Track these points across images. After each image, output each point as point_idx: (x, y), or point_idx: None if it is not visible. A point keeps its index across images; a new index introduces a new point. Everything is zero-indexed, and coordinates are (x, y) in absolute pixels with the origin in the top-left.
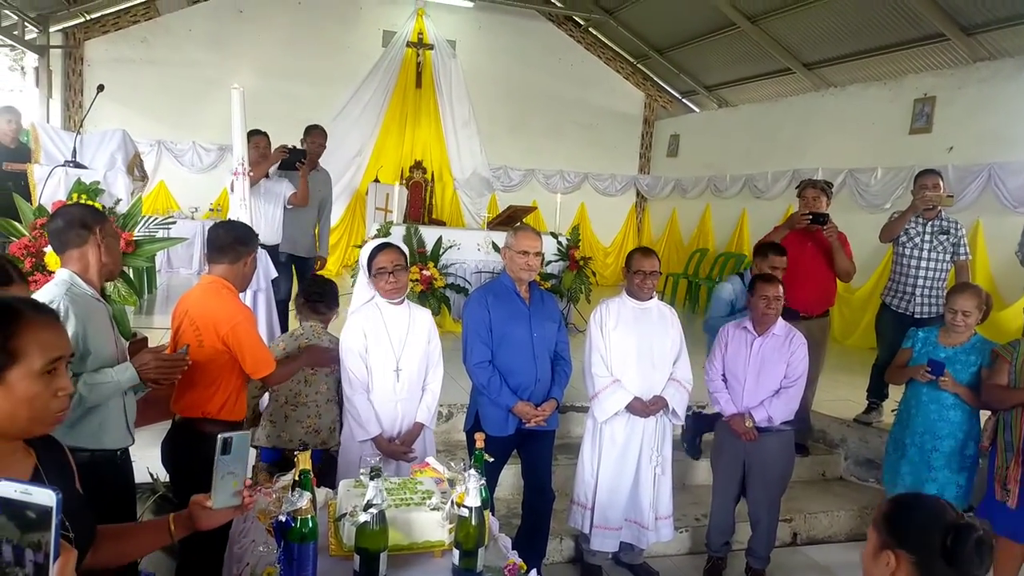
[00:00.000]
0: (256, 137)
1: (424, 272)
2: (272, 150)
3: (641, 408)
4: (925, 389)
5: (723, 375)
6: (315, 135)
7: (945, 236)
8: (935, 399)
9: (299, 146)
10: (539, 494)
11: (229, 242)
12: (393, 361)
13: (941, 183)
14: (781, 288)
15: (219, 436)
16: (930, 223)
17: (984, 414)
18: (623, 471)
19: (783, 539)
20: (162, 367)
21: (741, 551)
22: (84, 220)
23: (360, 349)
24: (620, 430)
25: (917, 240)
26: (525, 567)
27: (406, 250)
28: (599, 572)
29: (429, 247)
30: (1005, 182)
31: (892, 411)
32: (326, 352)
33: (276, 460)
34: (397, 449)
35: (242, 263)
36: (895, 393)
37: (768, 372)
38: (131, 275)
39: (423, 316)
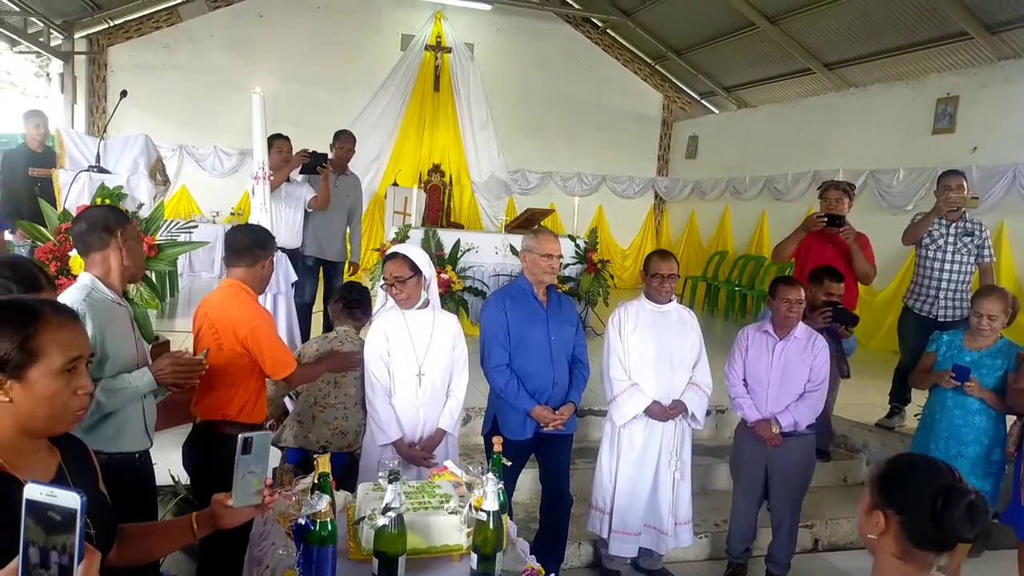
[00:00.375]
0: (279, 141)
1: (442, 275)
2: (294, 154)
3: (660, 412)
4: (950, 394)
5: (744, 380)
6: (343, 140)
7: (969, 238)
8: (960, 404)
9: (326, 151)
10: (557, 498)
11: (247, 246)
12: (416, 366)
13: (965, 184)
14: (803, 292)
15: (240, 436)
16: (954, 225)
17: (1010, 419)
18: (641, 475)
19: (804, 545)
20: (179, 371)
21: (760, 557)
22: (106, 223)
23: (382, 353)
24: (639, 434)
25: (941, 242)
26: (543, 572)
27: (418, 257)
28: None
29: (447, 250)
30: None
31: (915, 415)
32: (349, 357)
33: (301, 460)
34: (417, 454)
35: (260, 266)
36: (918, 397)
37: (791, 376)
38: (153, 279)
39: (449, 321)
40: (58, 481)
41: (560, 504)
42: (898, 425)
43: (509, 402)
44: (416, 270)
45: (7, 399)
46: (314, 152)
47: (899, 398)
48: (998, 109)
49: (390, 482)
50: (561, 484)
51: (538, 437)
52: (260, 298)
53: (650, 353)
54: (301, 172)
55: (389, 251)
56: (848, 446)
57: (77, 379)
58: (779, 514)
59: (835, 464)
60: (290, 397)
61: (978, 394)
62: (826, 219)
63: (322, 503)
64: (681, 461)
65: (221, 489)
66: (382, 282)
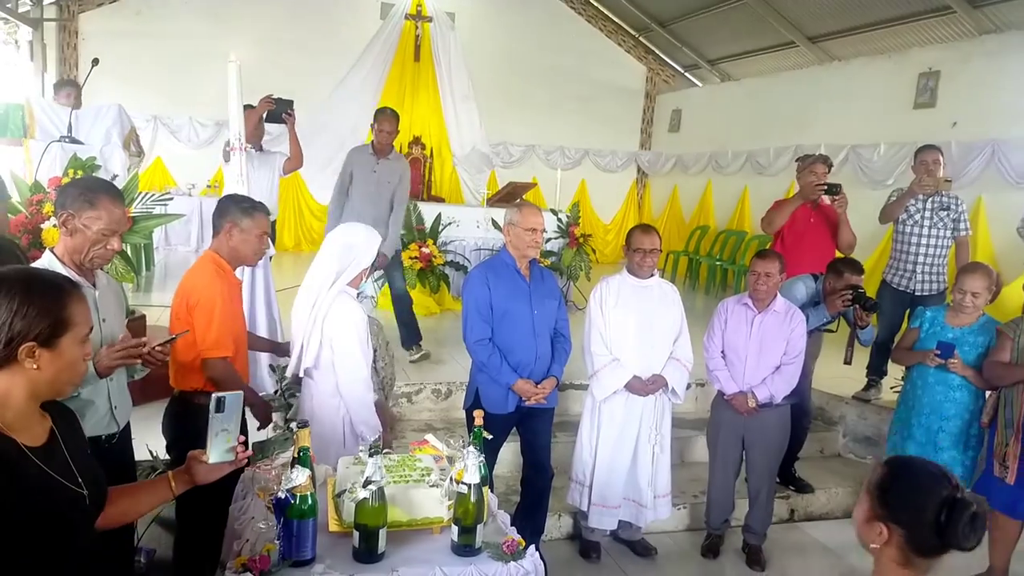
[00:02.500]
0: (251, 111)
1: (423, 249)
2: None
3: (640, 387)
4: (932, 370)
5: (722, 352)
6: (382, 121)
7: (945, 212)
8: (942, 380)
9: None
10: (537, 471)
11: (215, 215)
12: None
13: (941, 159)
14: (778, 264)
15: (213, 395)
16: (930, 199)
17: (988, 392)
18: (621, 449)
19: (780, 516)
20: (116, 357)
21: (739, 527)
22: (63, 203)
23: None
24: (619, 408)
25: (917, 217)
26: (523, 543)
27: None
28: (597, 549)
29: (428, 224)
30: (1009, 158)
31: (891, 388)
32: (267, 407)
33: None
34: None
35: (226, 235)
36: (894, 370)
37: (769, 349)
38: (128, 252)
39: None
40: (51, 444)
41: (541, 477)
42: (874, 397)
43: (491, 376)
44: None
45: (36, 367)
46: (279, 99)
47: (876, 371)
48: (979, 84)
49: (371, 455)
50: (541, 458)
51: (520, 411)
52: (239, 270)
53: (631, 328)
54: (267, 120)
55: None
56: (825, 418)
57: (87, 346)
58: (756, 484)
59: (812, 436)
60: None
61: (961, 371)
62: (826, 187)
63: (302, 477)
64: (661, 435)
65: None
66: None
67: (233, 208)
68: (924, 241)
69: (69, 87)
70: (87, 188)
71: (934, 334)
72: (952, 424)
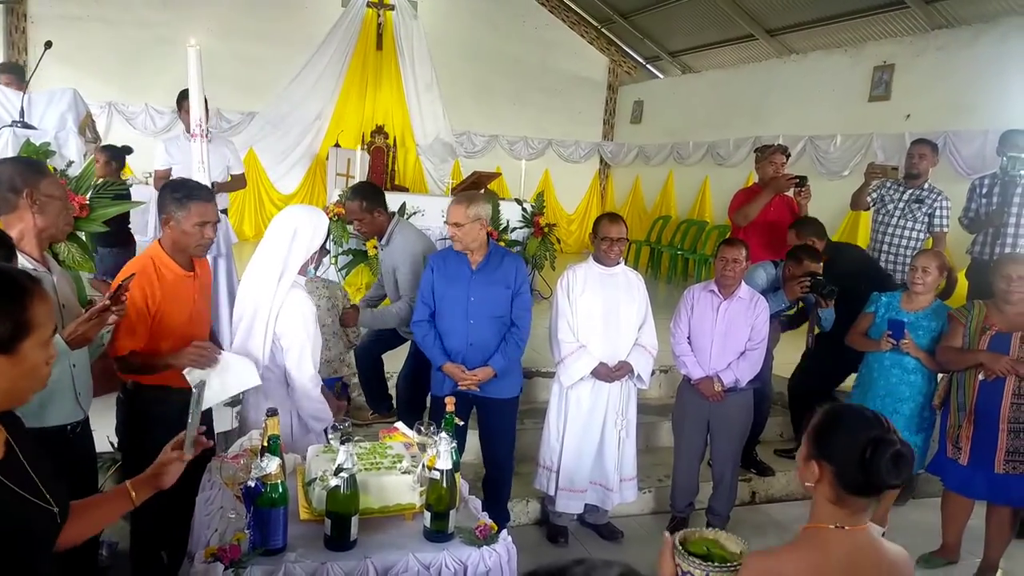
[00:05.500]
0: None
1: None
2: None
3: (606, 373)
4: (888, 354)
5: (688, 338)
6: (363, 204)
7: (918, 205)
8: (897, 363)
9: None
10: (489, 463)
11: (159, 204)
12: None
13: (928, 152)
14: (744, 251)
15: (194, 386)
16: (908, 191)
17: (941, 376)
18: (588, 435)
19: (743, 498)
20: (82, 325)
21: (703, 510)
22: (12, 183)
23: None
24: (586, 395)
25: (890, 207)
26: (496, 528)
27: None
28: (565, 533)
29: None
30: (960, 150)
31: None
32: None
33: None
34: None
35: (165, 228)
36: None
37: (733, 335)
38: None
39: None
40: (9, 458)
41: (492, 468)
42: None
43: (426, 356)
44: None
45: None
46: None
47: None
48: (931, 77)
49: (342, 443)
50: (492, 450)
51: (475, 399)
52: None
53: (597, 315)
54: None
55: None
56: (784, 403)
57: (50, 349)
58: (720, 468)
59: (772, 420)
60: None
61: (914, 352)
62: (797, 179)
63: (272, 465)
64: (626, 420)
65: (149, 446)
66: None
67: (167, 199)
68: (892, 231)
69: (9, 72)
70: (28, 163)
71: (889, 318)
72: (906, 407)
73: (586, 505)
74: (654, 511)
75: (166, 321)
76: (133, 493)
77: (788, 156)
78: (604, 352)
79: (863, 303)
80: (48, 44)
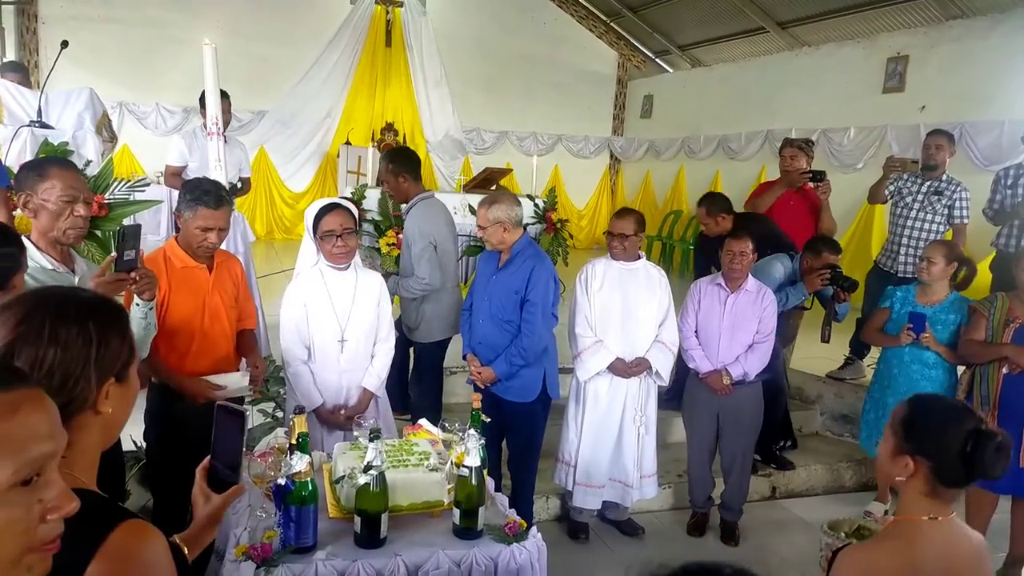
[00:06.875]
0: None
1: (401, 236)
2: (232, 113)
3: (623, 368)
4: (907, 348)
5: (696, 331)
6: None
7: (937, 197)
8: (917, 358)
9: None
10: (509, 465)
11: (179, 198)
12: (338, 331)
13: (945, 143)
14: (751, 244)
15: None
16: (927, 183)
17: (961, 369)
18: (606, 430)
19: (763, 493)
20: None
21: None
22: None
23: (299, 320)
24: (603, 390)
25: (908, 199)
26: (525, 525)
27: (355, 211)
28: (585, 529)
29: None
30: (976, 141)
31: (869, 366)
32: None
33: None
34: (338, 419)
35: (178, 220)
36: (875, 349)
37: (741, 328)
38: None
39: (371, 281)
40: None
41: (513, 466)
42: (850, 377)
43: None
44: (356, 223)
45: (110, 409)
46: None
47: (857, 351)
48: (946, 68)
49: (371, 440)
50: (511, 453)
51: (496, 399)
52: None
53: (615, 310)
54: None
55: (325, 203)
56: (803, 398)
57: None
58: (728, 461)
59: (791, 415)
60: None
61: (934, 346)
62: (810, 174)
63: (302, 463)
64: (646, 416)
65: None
66: (311, 238)
67: (181, 198)
68: (910, 223)
69: (14, 71)
70: (34, 164)
71: (906, 314)
72: None
73: (605, 502)
74: (674, 507)
75: (173, 312)
76: (186, 550)
77: (803, 149)
78: (621, 348)
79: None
80: (64, 43)
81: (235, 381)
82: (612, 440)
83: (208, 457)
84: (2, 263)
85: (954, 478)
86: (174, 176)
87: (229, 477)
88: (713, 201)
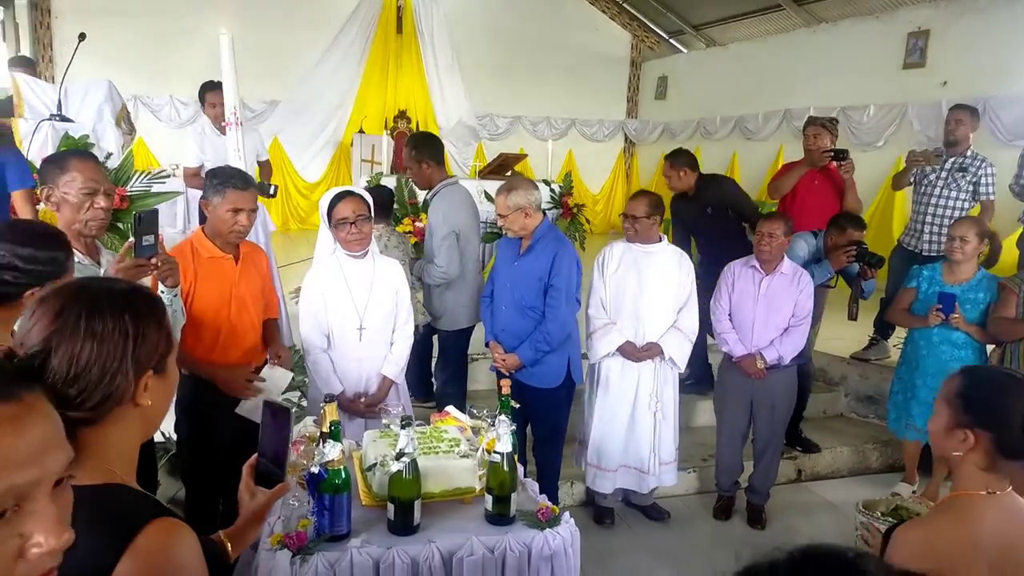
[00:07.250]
0: (211, 93)
1: (417, 224)
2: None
3: (631, 352)
4: (936, 329)
5: (729, 314)
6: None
7: (962, 174)
8: (946, 339)
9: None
10: (535, 451)
11: (204, 190)
12: (356, 319)
13: (966, 117)
14: (783, 225)
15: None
16: (951, 160)
17: (990, 348)
18: (618, 414)
19: (788, 476)
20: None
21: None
22: (42, 180)
23: (317, 309)
24: (615, 372)
25: (932, 177)
26: (557, 510)
27: (370, 199)
28: (611, 515)
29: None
30: (1000, 115)
31: (895, 346)
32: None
33: None
34: (358, 407)
35: (206, 210)
36: (901, 329)
37: (777, 310)
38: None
39: (389, 268)
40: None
41: (538, 453)
42: (875, 357)
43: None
44: (370, 210)
45: (149, 401)
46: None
47: (882, 331)
48: (969, 42)
49: (403, 428)
50: (535, 439)
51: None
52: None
53: (629, 293)
54: None
55: (338, 191)
56: (827, 379)
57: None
58: (761, 446)
59: (816, 396)
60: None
61: (963, 327)
62: (832, 153)
63: (335, 451)
64: (662, 402)
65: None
66: (326, 226)
67: (207, 185)
68: (935, 201)
69: (21, 66)
70: (55, 158)
71: (933, 293)
72: None
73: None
74: (699, 491)
75: (199, 302)
76: (229, 547)
77: (827, 128)
78: (633, 330)
79: (733, 231)
80: (82, 36)
81: (279, 376)
82: (624, 425)
83: (255, 454)
84: (46, 268)
85: (1017, 450)
86: (194, 177)
87: (275, 474)
88: (677, 155)
